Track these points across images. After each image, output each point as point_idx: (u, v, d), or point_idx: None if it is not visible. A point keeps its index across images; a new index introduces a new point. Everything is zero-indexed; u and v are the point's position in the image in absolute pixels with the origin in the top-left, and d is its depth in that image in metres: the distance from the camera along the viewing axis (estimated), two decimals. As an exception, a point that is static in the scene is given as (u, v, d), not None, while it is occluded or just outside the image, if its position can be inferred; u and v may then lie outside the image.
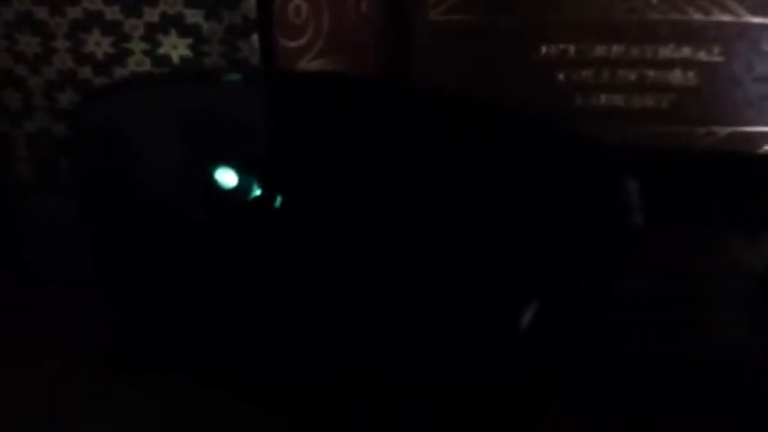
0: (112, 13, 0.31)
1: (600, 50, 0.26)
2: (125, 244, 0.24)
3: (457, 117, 0.19)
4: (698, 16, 0.26)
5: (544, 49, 0.26)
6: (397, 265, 0.20)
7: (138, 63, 0.31)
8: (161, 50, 0.31)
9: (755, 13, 0.26)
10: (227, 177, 0.22)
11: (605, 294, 0.19)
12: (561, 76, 0.27)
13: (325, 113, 0.21)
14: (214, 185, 0.22)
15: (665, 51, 0.26)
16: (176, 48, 0.31)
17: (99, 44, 0.31)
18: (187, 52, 0.31)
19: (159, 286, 0.23)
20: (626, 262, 0.18)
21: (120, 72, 0.31)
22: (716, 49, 0.26)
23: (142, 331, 0.24)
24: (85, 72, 0.31)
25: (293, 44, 0.29)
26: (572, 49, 0.26)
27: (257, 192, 0.21)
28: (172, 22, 0.31)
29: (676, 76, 0.27)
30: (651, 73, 0.27)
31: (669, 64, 0.26)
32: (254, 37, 0.30)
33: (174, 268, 0.23)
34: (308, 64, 0.29)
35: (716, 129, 0.27)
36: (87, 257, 0.25)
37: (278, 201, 0.21)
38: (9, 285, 0.28)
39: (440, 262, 0.19)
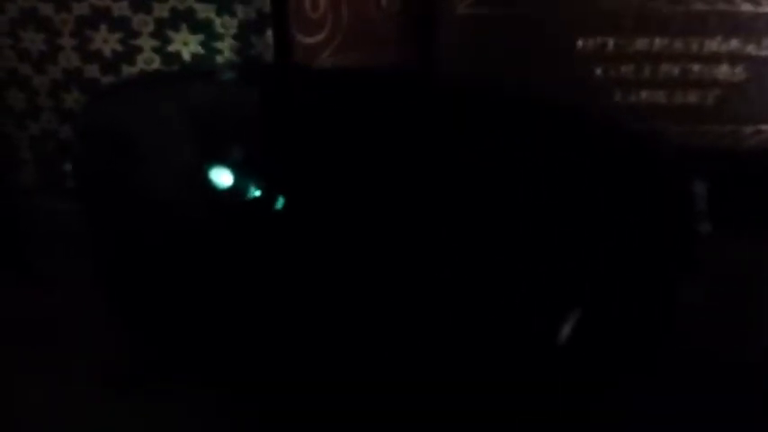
0: (120, 8, 0.30)
1: (641, 44, 0.25)
2: (131, 247, 0.23)
3: (510, 112, 0.18)
4: (746, 7, 0.25)
5: (581, 42, 0.25)
6: (454, 268, 0.18)
7: (147, 61, 0.30)
8: (171, 47, 0.30)
9: (808, 3, 0.25)
10: (237, 179, 0.21)
11: (668, 298, 0.17)
12: (599, 71, 0.25)
13: (340, 109, 0.21)
14: (224, 187, 0.21)
15: (712, 44, 0.25)
16: (187, 44, 0.30)
17: (106, 41, 0.30)
18: (198, 49, 0.30)
19: (167, 289, 0.23)
20: (691, 267, 0.17)
21: (128, 70, 0.30)
22: (765, 42, 0.25)
23: (147, 335, 0.23)
24: (92, 71, 0.30)
25: (310, 40, 0.28)
26: (611, 42, 0.25)
27: (266, 193, 0.20)
28: (182, 18, 0.30)
29: (723, 70, 0.25)
30: (696, 67, 0.25)
31: (715, 58, 0.25)
32: (269, 32, 0.30)
33: (181, 271, 0.22)
34: (326, 60, 0.28)
35: (764, 127, 0.26)
36: (91, 260, 0.24)
37: (289, 202, 0.20)
38: (12, 287, 0.28)
39: (497, 265, 0.18)
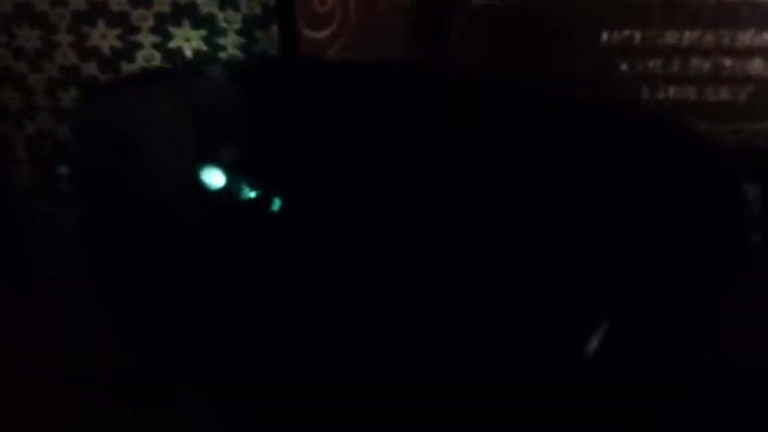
0: (119, 3, 0.29)
1: (670, 37, 0.24)
2: (131, 249, 0.23)
3: (551, 112, 0.17)
4: (781, -3, 0.24)
5: (605, 35, 0.24)
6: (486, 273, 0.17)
7: (147, 58, 0.30)
8: (172, 43, 0.29)
9: None
10: (241, 178, 0.20)
11: (711, 314, 0.16)
12: (625, 66, 0.24)
13: (346, 106, 0.20)
14: (227, 187, 0.20)
15: (744, 38, 0.24)
16: (189, 40, 0.29)
17: (105, 37, 0.29)
18: (201, 45, 0.29)
19: (168, 291, 0.22)
20: (740, 276, 0.16)
21: (127, 68, 0.30)
22: (801, 35, 0.24)
23: (147, 337, 0.23)
24: (90, 68, 0.30)
25: (317, 35, 0.27)
26: (638, 35, 0.24)
27: (269, 192, 0.20)
28: (184, 13, 0.29)
29: (756, 65, 0.24)
30: (728, 62, 0.24)
31: (748, 52, 0.24)
32: (274, 27, 0.29)
33: (183, 272, 0.21)
34: (335, 57, 0.27)
35: (799, 125, 0.24)
36: (88, 262, 0.24)
37: (293, 201, 0.19)
38: (8, 288, 0.28)
39: (520, 270, 0.17)
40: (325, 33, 0.27)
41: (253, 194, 0.20)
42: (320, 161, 0.19)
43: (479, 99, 0.19)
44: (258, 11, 0.29)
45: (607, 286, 0.17)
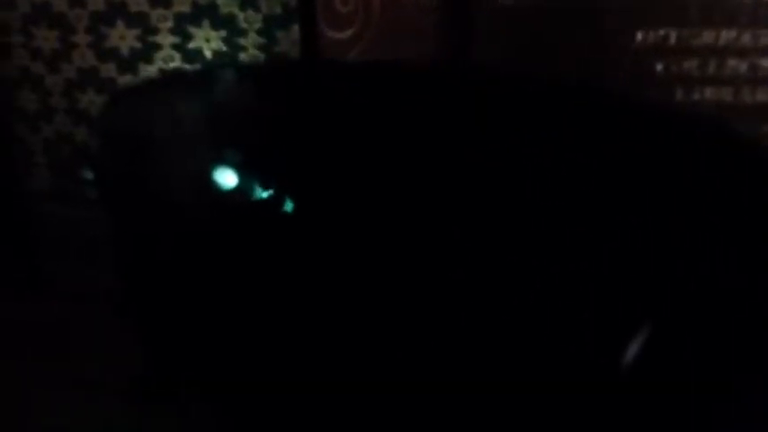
0: (138, 3, 0.29)
1: (706, 37, 0.24)
2: (155, 251, 0.23)
3: (603, 114, 0.16)
4: (819, -4, 0.23)
5: (640, 35, 0.24)
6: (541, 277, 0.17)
7: (166, 59, 0.29)
8: (192, 44, 0.29)
9: None
10: (263, 182, 0.20)
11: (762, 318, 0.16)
12: (660, 67, 0.24)
13: (368, 106, 0.20)
14: (248, 191, 0.20)
15: None
16: (209, 41, 0.29)
17: (123, 38, 0.29)
18: (221, 46, 0.29)
19: (191, 293, 0.22)
20: None
21: (146, 69, 0.29)
22: (839, 35, 0.23)
23: (164, 340, 0.23)
24: (109, 69, 0.29)
25: (339, 35, 0.27)
26: (673, 35, 0.24)
27: (292, 195, 0.19)
28: (204, 13, 0.29)
29: None
30: (765, 63, 0.24)
31: None
32: (295, 28, 0.29)
33: (208, 274, 0.21)
34: (357, 57, 0.27)
35: (836, 128, 0.24)
36: (109, 265, 0.24)
37: (317, 205, 0.19)
38: (23, 292, 0.29)
39: (557, 270, 0.17)
40: (347, 33, 0.27)
41: (273, 196, 0.20)
42: (337, 163, 0.19)
43: (509, 100, 0.18)
44: (279, 11, 0.29)
45: (651, 289, 0.16)
